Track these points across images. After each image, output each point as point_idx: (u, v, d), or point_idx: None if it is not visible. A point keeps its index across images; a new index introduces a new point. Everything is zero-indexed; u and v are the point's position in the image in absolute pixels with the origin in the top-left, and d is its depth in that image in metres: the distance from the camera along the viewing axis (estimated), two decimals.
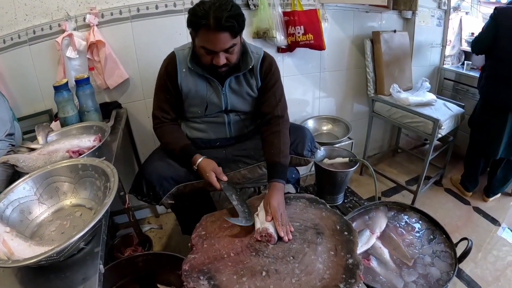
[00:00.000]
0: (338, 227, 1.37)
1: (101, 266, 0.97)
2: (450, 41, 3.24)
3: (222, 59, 1.44)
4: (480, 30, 2.35)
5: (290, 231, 1.33)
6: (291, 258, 1.23)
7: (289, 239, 1.30)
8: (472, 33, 3.25)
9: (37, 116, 2.01)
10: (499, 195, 2.74)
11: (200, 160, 1.54)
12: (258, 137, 1.73)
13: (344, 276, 1.14)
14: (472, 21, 3.36)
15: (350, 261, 1.20)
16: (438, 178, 3.02)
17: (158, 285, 1.68)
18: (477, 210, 2.69)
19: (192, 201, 1.73)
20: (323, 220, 1.42)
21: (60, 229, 1.12)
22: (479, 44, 2.36)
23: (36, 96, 2.01)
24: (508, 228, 2.49)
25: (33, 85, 1.98)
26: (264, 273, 1.16)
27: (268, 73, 1.65)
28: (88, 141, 1.46)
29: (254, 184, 1.78)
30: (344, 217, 1.42)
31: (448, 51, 3.27)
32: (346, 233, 1.34)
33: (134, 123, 2.26)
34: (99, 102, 1.93)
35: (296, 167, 1.96)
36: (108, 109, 1.97)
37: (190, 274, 1.16)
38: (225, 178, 1.52)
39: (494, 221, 2.56)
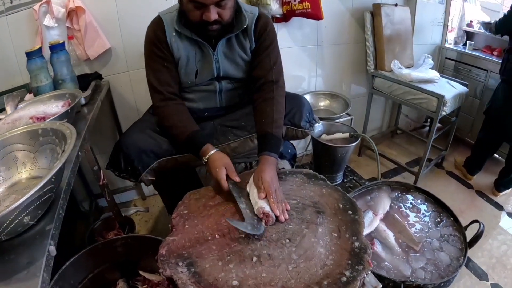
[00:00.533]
0: (341, 206, 1.16)
1: (52, 248, 0.76)
2: (454, 28, 3.08)
3: (213, 14, 1.21)
4: (508, 9, 2.11)
5: (286, 210, 1.12)
6: (287, 241, 1.01)
7: (285, 219, 1.09)
8: (471, 21, 3.14)
9: (14, 91, 1.80)
10: (510, 189, 2.52)
11: (212, 152, 1.28)
12: (250, 106, 1.51)
13: (349, 262, 0.93)
14: (471, 8, 3.24)
15: (356, 244, 0.99)
16: (439, 160, 2.84)
17: (140, 272, 1.49)
18: (480, 194, 2.53)
19: (175, 177, 1.52)
20: (324, 198, 1.20)
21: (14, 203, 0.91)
22: (508, 23, 2.12)
23: (13, 70, 1.79)
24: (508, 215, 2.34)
25: (10, 59, 1.76)
26: (254, 259, 0.95)
27: (263, 33, 1.43)
28: (55, 107, 1.26)
29: (245, 159, 1.56)
30: (348, 195, 1.21)
31: (454, 34, 3.10)
32: (350, 212, 1.12)
33: (117, 97, 2.04)
34: (79, 74, 1.76)
35: (292, 143, 1.75)
36: (87, 81, 1.75)
37: (167, 260, 0.95)
38: (237, 179, 1.23)
39: (498, 206, 2.40)
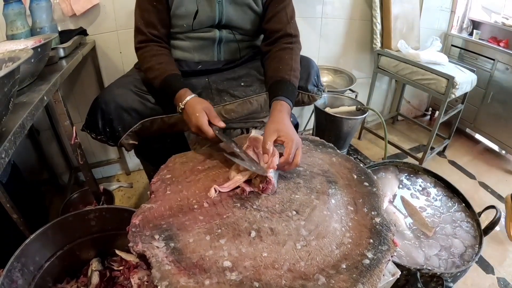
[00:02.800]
0: (355, 176, 0.94)
1: None
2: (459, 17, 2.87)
3: None
4: None
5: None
6: (294, 213, 0.79)
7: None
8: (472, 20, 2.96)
9: None
10: None
11: (190, 97, 1.05)
12: (251, 64, 1.29)
13: (371, 240, 0.72)
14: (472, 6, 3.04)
15: (377, 220, 0.77)
16: (442, 149, 2.63)
17: (117, 251, 1.26)
18: (483, 185, 2.34)
19: (161, 143, 1.27)
20: (334, 167, 0.98)
21: None
22: None
23: None
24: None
25: None
26: (253, 233, 0.73)
27: None
28: (24, 46, 1.02)
29: (242, 124, 1.31)
30: (361, 165, 0.99)
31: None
32: (366, 183, 0.91)
33: (103, 59, 1.79)
34: (62, 30, 1.53)
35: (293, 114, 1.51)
36: (70, 37, 1.50)
37: (140, 231, 0.72)
38: (222, 124, 1.02)
39: (501, 198, 2.20)
